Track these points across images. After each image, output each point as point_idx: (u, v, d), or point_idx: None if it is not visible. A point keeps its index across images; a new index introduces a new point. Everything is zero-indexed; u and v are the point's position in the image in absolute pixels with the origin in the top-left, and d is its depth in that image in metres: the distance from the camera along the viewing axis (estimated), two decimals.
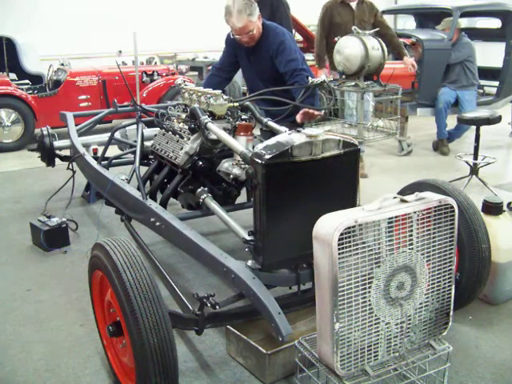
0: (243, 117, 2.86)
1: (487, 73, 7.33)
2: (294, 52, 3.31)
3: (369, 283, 1.73)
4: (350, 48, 6.29)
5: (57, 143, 4.22)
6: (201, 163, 2.84)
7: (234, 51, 3.54)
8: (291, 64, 3.24)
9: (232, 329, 2.33)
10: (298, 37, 8.56)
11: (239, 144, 2.48)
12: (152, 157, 3.35)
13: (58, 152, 4.24)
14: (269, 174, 2.05)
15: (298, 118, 2.99)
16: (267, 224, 2.11)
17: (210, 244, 2.38)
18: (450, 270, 1.92)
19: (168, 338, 1.76)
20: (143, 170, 3.21)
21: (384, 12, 7.83)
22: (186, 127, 2.92)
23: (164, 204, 2.92)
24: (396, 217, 1.75)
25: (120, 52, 10.99)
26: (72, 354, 2.46)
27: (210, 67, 4.14)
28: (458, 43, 6.14)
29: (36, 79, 7.77)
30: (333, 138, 2.15)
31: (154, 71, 8.02)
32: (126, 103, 4.95)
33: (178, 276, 3.19)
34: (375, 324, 1.79)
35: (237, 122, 2.76)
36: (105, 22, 10.66)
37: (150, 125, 3.98)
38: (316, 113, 2.94)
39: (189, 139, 2.85)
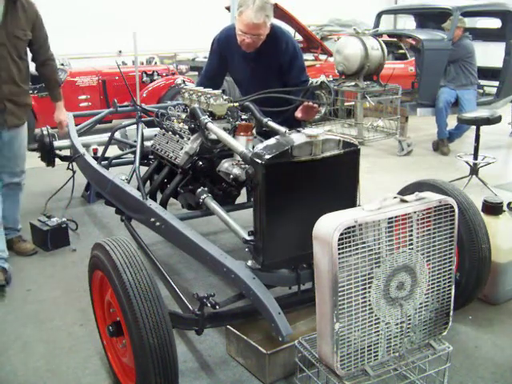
0: (243, 117, 2.86)
1: (487, 73, 7.33)
2: (303, 61, 3.30)
3: (369, 283, 1.73)
4: (350, 48, 6.30)
5: (57, 143, 4.21)
6: (201, 163, 2.84)
7: (225, 55, 3.34)
8: (301, 75, 3.22)
9: (232, 329, 2.33)
10: (298, 37, 8.57)
11: (239, 144, 2.48)
12: (152, 157, 3.35)
13: (57, 152, 4.24)
14: (269, 174, 2.05)
15: (298, 113, 2.97)
16: (267, 224, 2.11)
17: (210, 244, 2.38)
18: (450, 270, 1.92)
19: (168, 337, 1.76)
20: (143, 170, 3.21)
21: (384, 12, 7.84)
22: (186, 127, 2.91)
23: (164, 204, 2.91)
24: (396, 217, 1.75)
25: (120, 52, 10.99)
26: (72, 354, 2.46)
27: None
28: (457, 43, 6.17)
29: (36, 79, 7.75)
30: (333, 137, 2.15)
31: (153, 71, 8.03)
32: (125, 103, 4.94)
33: (178, 276, 3.19)
34: (375, 324, 1.79)
35: (237, 122, 2.76)
36: (105, 22, 10.65)
37: (149, 125, 3.97)
38: (315, 109, 2.91)
39: (189, 139, 2.85)
